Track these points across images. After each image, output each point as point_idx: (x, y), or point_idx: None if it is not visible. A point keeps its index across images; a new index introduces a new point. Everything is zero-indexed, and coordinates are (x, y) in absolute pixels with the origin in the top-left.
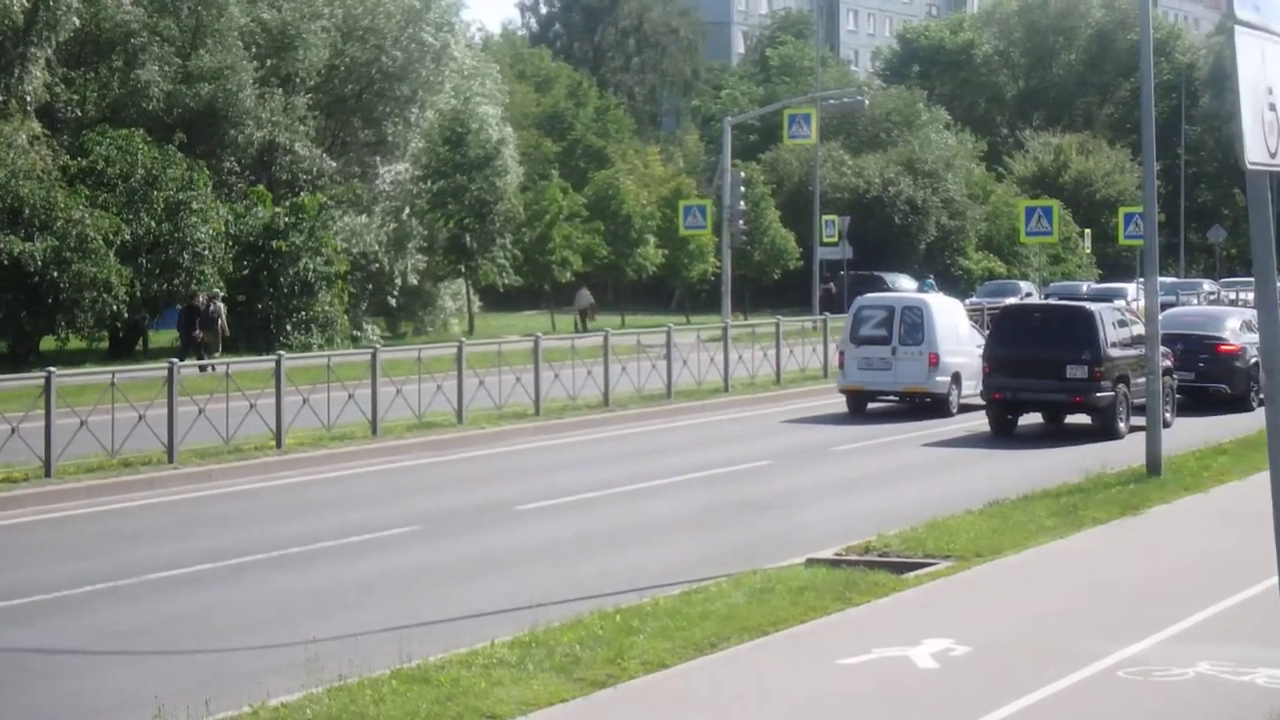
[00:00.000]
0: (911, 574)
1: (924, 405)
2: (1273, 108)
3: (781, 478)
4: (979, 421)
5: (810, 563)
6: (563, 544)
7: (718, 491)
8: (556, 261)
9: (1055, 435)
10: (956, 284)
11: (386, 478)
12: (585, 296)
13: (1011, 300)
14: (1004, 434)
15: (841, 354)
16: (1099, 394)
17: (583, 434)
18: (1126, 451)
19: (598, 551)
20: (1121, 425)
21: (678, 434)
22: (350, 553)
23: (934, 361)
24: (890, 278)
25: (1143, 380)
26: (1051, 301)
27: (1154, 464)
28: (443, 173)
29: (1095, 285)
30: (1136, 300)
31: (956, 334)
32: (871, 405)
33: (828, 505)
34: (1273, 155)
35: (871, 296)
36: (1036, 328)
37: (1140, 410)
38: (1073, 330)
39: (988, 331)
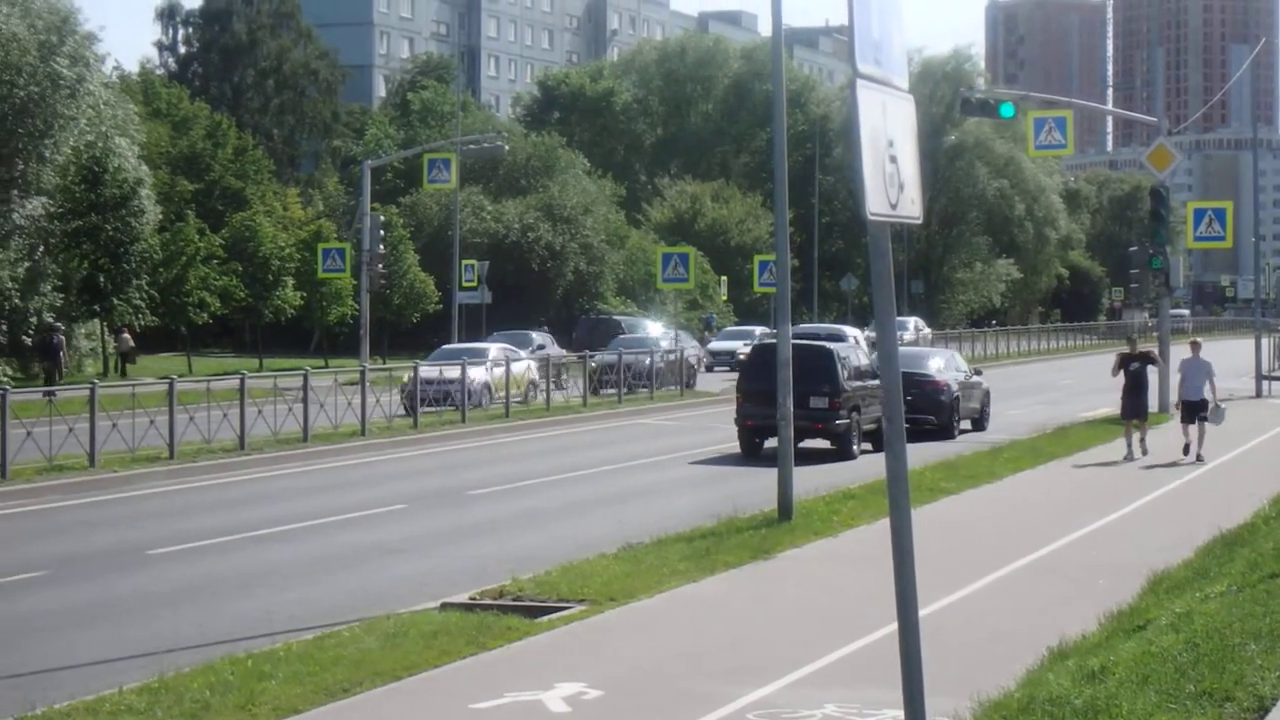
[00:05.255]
0: (545, 618)
1: None
2: (893, 160)
3: (417, 521)
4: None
5: (444, 607)
6: (195, 589)
7: (353, 535)
8: (193, 303)
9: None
10: None
11: (14, 522)
12: (126, 341)
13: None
14: (753, 455)
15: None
16: (837, 421)
17: (218, 477)
18: (762, 495)
19: (230, 596)
20: (855, 448)
21: (313, 477)
22: None
23: None
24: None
25: (872, 409)
26: (798, 341)
27: (785, 508)
28: (78, 211)
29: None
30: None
31: None
32: None
33: (464, 549)
34: (893, 206)
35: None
36: None
37: (869, 436)
38: (815, 366)
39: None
